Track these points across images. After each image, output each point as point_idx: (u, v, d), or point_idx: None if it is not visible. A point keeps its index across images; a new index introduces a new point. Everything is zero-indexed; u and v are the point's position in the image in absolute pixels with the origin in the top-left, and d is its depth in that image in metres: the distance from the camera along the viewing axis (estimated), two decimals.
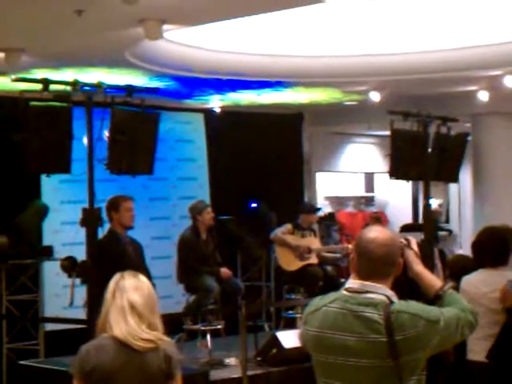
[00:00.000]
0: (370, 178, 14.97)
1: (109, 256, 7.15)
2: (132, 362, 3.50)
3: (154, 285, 3.79)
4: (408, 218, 14.09)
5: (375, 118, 10.97)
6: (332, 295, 3.24)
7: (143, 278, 3.68)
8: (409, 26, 8.46)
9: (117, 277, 3.69)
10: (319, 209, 11.54)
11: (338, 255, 10.64)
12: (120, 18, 6.37)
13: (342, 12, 7.95)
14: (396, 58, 8.88)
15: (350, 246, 10.48)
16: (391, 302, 3.12)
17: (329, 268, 10.64)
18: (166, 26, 6.56)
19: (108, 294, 3.64)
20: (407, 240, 3.41)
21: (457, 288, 3.51)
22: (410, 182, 11.83)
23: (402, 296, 3.20)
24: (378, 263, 3.17)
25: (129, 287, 3.59)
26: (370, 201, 15.05)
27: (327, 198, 14.21)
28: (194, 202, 9.60)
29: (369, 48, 8.88)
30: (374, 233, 3.22)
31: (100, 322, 3.61)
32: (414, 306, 3.13)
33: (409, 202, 14.58)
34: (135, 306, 3.54)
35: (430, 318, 3.08)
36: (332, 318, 3.17)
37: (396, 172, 8.12)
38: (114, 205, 7.75)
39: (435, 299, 3.26)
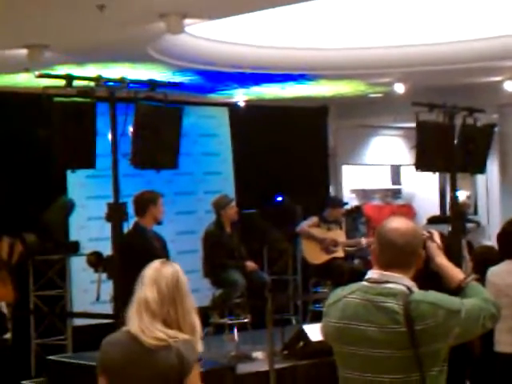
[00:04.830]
0: (396, 170, 14.89)
1: (135, 250, 7.16)
2: (142, 358, 3.46)
3: None
4: (436, 210, 13.99)
5: (401, 109, 10.89)
6: (352, 286, 3.24)
7: (169, 268, 3.56)
8: (433, 16, 8.40)
9: (147, 267, 3.62)
10: (346, 203, 11.50)
11: (353, 249, 10.56)
12: (141, 13, 6.39)
13: (366, 3, 7.91)
14: (420, 48, 8.82)
15: (363, 240, 10.46)
16: (411, 292, 3.11)
17: (355, 261, 10.61)
18: (187, 20, 6.56)
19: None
20: (430, 232, 3.40)
21: (481, 279, 3.47)
22: (437, 174, 11.74)
23: (424, 288, 3.18)
24: (399, 253, 3.15)
25: (148, 280, 3.52)
26: (396, 193, 14.98)
27: (354, 191, 14.15)
28: (217, 196, 9.60)
29: (392, 39, 8.82)
30: (396, 223, 3.21)
31: (127, 313, 3.61)
32: (434, 295, 3.10)
33: (436, 194, 14.48)
34: (149, 302, 3.47)
35: (450, 308, 3.06)
36: (352, 308, 3.16)
37: (422, 164, 8.05)
38: (153, 199, 7.75)
39: (457, 291, 3.24)
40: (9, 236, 8.53)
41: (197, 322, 3.56)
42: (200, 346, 3.56)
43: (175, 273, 3.58)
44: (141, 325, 3.47)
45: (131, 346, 3.50)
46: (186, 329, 3.51)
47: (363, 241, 10.39)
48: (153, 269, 3.58)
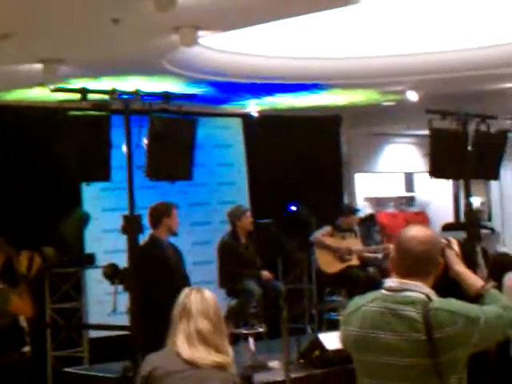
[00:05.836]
0: (409, 177, 14.87)
1: (151, 262, 7.19)
2: (194, 373, 3.57)
3: None
4: (450, 217, 13.97)
5: (414, 117, 10.90)
6: (371, 294, 3.24)
7: (209, 296, 3.70)
8: (445, 23, 8.41)
9: (182, 296, 3.69)
10: (358, 210, 11.50)
11: (379, 255, 10.59)
12: (155, 26, 6.41)
13: (377, 12, 7.92)
14: (432, 56, 8.83)
15: (391, 246, 10.43)
16: (430, 300, 3.11)
17: (371, 269, 10.60)
18: (200, 32, 6.59)
19: (175, 314, 3.66)
20: (448, 240, 3.40)
21: (498, 287, 3.47)
22: (451, 181, 11.73)
23: (443, 296, 3.19)
24: (417, 261, 3.16)
25: (196, 312, 3.61)
26: (410, 201, 14.96)
27: (367, 199, 14.14)
28: (232, 207, 9.62)
29: (405, 47, 8.84)
30: (414, 231, 3.22)
31: (169, 338, 3.64)
32: (454, 303, 3.11)
33: (450, 201, 14.45)
34: (203, 333, 3.58)
35: (469, 316, 3.06)
36: (371, 317, 3.16)
37: (436, 171, 8.05)
38: (167, 210, 7.78)
39: (476, 298, 3.24)
40: (27, 250, 8.56)
41: (228, 345, 3.72)
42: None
43: (215, 299, 3.73)
44: (195, 354, 3.57)
45: (182, 363, 3.59)
46: (225, 351, 3.64)
47: (388, 247, 10.38)
48: (196, 299, 3.67)
